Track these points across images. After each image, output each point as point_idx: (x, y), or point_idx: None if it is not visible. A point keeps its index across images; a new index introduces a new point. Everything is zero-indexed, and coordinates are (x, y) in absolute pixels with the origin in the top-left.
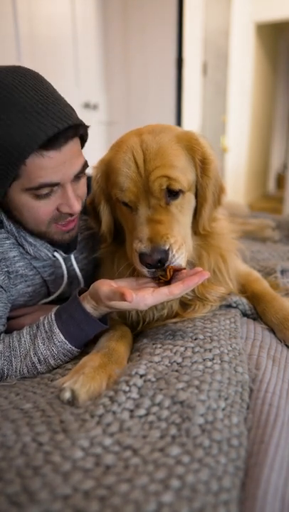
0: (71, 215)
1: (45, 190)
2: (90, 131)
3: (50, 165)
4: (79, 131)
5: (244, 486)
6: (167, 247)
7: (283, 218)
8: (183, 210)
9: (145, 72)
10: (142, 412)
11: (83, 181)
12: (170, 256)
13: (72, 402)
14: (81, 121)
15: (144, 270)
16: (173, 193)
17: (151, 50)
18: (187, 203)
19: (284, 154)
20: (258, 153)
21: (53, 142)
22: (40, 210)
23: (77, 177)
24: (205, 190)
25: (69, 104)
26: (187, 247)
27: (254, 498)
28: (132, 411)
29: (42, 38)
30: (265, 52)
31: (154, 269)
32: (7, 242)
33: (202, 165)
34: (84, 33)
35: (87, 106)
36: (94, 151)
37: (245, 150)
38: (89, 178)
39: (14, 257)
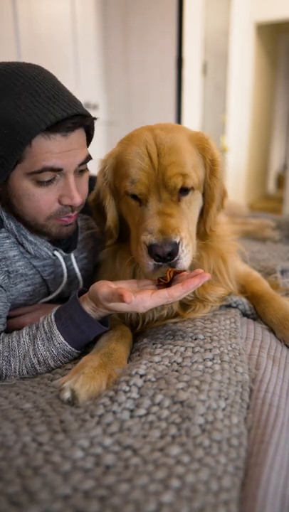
0: (72, 210)
1: (47, 176)
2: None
3: (55, 149)
4: (86, 122)
5: (244, 486)
6: (178, 241)
7: (283, 218)
8: (191, 207)
9: (145, 72)
10: (142, 411)
11: (86, 177)
12: (180, 250)
13: (72, 401)
14: (88, 112)
15: (151, 263)
16: (185, 190)
17: (151, 50)
18: (195, 200)
19: (284, 154)
20: (258, 153)
21: (60, 126)
22: (41, 199)
23: (80, 171)
24: (213, 191)
25: (78, 99)
26: (193, 243)
27: (254, 498)
28: (132, 411)
29: (42, 38)
30: (265, 52)
31: (161, 263)
32: (7, 241)
33: (212, 165)
34: (84, 33)
35: (87, 106)
36: (94, 151)
37: (245, 150)
38: (91, 179)
39: (14, 256)
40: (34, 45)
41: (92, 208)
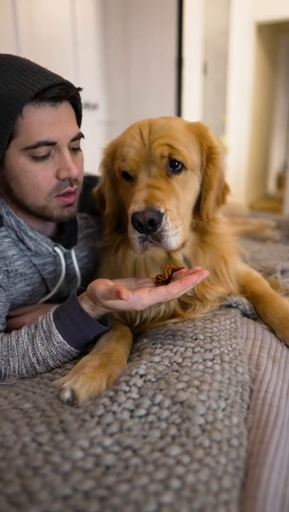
0: (71, 184)
1: (42, 150)
2: (89, 131)
3: (47, 120)
4: (71, 91)
5: (244, 486)
6: (162, 211)
7: (283, 218)
8: (184, 188)
9: (145, 72)
10: (142, 412)
11: (80, 156)
12: (163, 222)
13: (72, 402)
14: (72, 84)
15: (136, 237)
16: (175, 166)
17: (151, 50)
18: (190, 181)
19: (284, 154)
20: (258, 153)
21: (47, 93)
22: (39, 174)
23: (74, 149)
24: (211, 178)
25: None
26: (184, 227)
27: (254, 499)
28: (132, 411)
29: (42, 38)
30: (265, 52)
31: (144, 234)
32: (6, 240)
33: (209, 153)
34: (84, 33)
35: (87, 106)
36: (94, 151)
37: (245, 150)
38: (91, 178)
39: (13, 255)
40: (34, 45)
41: (96, 200)
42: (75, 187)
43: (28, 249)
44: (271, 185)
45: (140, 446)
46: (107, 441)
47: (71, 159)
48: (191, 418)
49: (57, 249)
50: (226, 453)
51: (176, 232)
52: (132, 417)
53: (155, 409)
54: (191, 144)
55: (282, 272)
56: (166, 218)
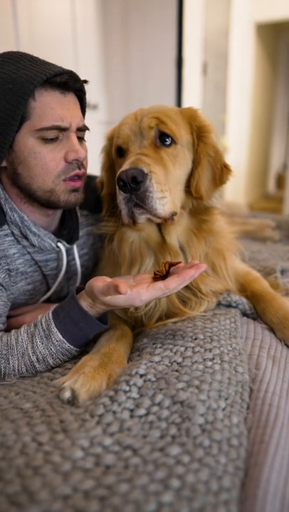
0: (78, 166)
1: (53, 133)
2: (89, 131)
3: (58, 106)
4: (78, 84)
5: (244, 486)
6: (145, 171)
7: (283, 218)
8: (174, 162)
9: (145, 72)
10: (142, 411)
11: (85, 145)
12: (147, 182)
13: (72, 401)
14: (79, 76)
15: (121, 198)
16: (165, 140)
17: (151, 50)
18: (180, 156)
19: (284, 154)
20: (258, 153)
21: (58, 80)
22: (48, 156)
23: (79, 138)
24: (200, 154)
25: None
26: (174, 202)
27: (254, 498)
28: (132, 411)
29: (42, 38)
30: (265, 52)
31: (128, 194)
32: (7, 239)
33: (199, 132)
34: (84, 33)
35: (87, 106)
36: (94, 151)
37: (245, 150)
38: (91, 178)
39: (14, 254)
40: (34, 45)
41: (99, 188)
42: (82, 170)
43: (32, 245)
44: (271, 185)
45: (140, 446)
46: (107, 441)
47: (78, 143)
48: (191, 418)
49: (60, 244)
50: (225, 453)
51: (161, 196)
52: (132, 416)
53: (155, 408)
54: (182, 122)
55: (282, 272)
56: (150, 180)
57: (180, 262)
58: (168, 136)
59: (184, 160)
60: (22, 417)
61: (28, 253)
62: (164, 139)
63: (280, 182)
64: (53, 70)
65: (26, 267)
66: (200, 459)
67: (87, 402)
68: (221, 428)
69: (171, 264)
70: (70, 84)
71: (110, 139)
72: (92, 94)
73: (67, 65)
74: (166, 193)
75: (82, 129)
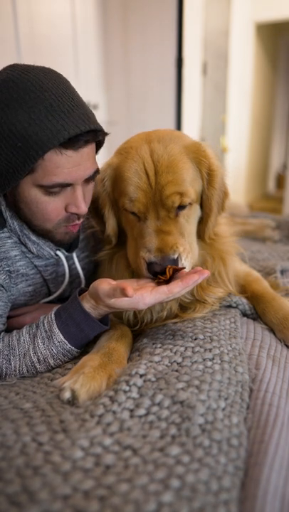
0: (78, 217)
1: (56, 189)
2: None
3: (67, 165)
4: (98, 136)
5: (244, 486)
6: (176, 256)
7: (283, 218)
8: (189, 219)
9: (145, 72)
10: (141, 411)
11: (91, 186)
12: (180, 264)
13: (72, 401)
14: (101, 127)
15: (151, 276)
16: (182, 207)
17: (151, 50)
18: (193, 213)
19: (284, 154)
20: (258, 153)
21: (73, 142)
22: (49, 206)
23: (87, 181)
24: (211, 201)
25: (91, 111)
26: (193, 253)
27: (254, 498)
28: (132, 411)
29: (42, 38)
30: (265, 52)
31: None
32: (9, 241)
33: (208, 177)
34: (84, 33)
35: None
36: None
37: (245, 150)
38: None
39: (15, 256)
40: (34, 45)
41: (90, 210)
42: (81, 220)
43: (30, 252)
44: (271, 185)
45: (140, 446)
46: (107, 441)
47: (82, 196)
48: (191, 418)
49: (59, 252)
50: (225, 452)
51: (185, 257)
52: (132, 416)
53: (155, 408)
54: (194, 175)
55: (282, 272)
56: (181, 260)
57: (184, 268)
58: (187, 203)
59: (196, 214)
60: (22, 417)
61: (28, 257)
62: (183, 206)
63: (280, 182)
64: (68, 132)
65: (28, 269)
66: (200, 458)
67: (87, 402)
68: (220, 428)
69: (175, 269)
70: (88, 142)
71: (111, 179)
72: (92, 94)
73: (67, 65)
74: (188, 254)
75: (92, 176)
